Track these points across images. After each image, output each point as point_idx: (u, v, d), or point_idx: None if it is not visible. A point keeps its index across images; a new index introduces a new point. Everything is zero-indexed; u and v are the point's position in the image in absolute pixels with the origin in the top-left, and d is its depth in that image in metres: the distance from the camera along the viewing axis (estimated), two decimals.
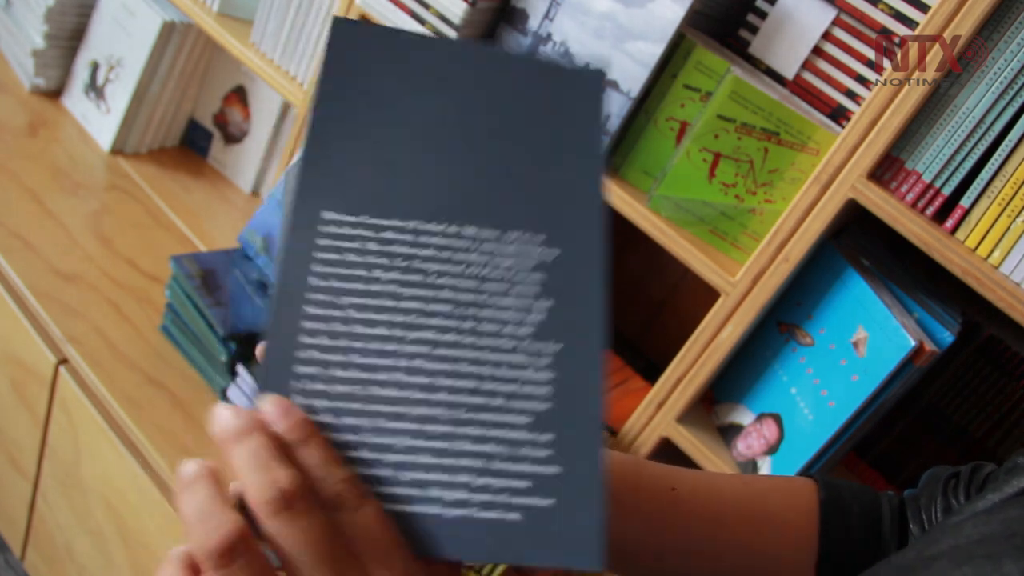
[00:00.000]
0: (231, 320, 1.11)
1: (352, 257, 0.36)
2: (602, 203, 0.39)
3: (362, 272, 0.36)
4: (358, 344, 0.35)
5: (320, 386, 0.34)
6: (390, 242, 0.37)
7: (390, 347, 0.35)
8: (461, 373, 0.35)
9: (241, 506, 0.32)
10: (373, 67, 0.40)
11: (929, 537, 0.44)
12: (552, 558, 0.32)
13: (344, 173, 0.38)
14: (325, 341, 0.34)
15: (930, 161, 0.76)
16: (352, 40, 0.39)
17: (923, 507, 0.51)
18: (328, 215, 0.36)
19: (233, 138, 1.51)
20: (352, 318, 0.35)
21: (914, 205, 0.78)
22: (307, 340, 0.34)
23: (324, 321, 0.35)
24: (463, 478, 0.33)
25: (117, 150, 1.46)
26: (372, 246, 0.36)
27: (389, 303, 0.36)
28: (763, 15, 0.93)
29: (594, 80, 0.42)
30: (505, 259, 0.37)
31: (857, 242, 0.90)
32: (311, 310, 0.35)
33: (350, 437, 0.34)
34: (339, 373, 0.34)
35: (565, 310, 0.36)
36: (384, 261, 0.36)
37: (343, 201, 0.37)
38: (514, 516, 0.33)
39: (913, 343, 0.77)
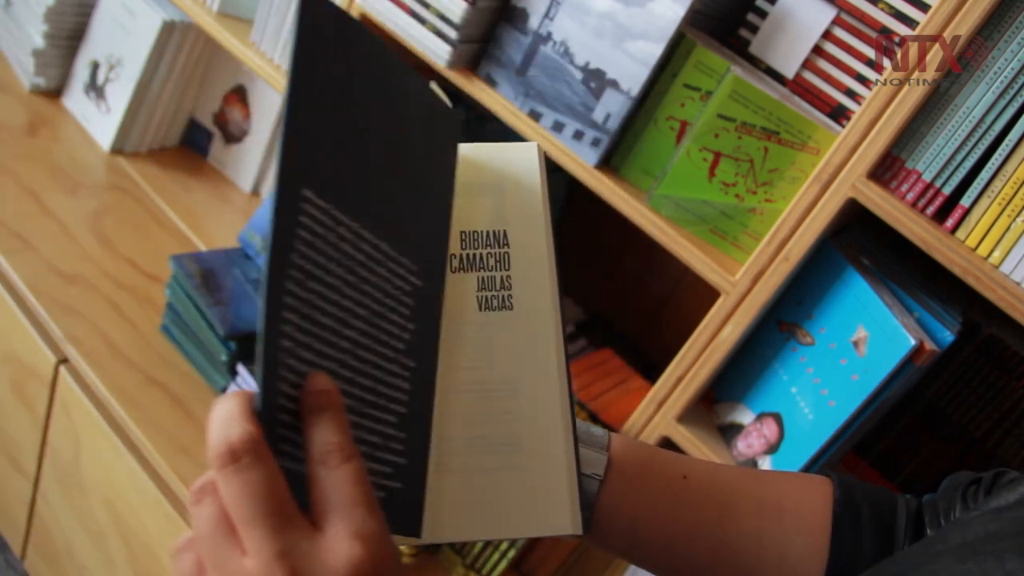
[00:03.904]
0: (231, 320, 1.11)
1: (321, 244, 0.37)
2: (447, 245, 0.46)
3: (324, 260, 0.37)
4: (315, 329, 0.37)
5: (293, 361, 0.35)
6: (342, 239, 0.38)
7: (332, 338, 0.37)
8: (367, 373, 0.39)
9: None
10: (340, 58, 0.40)
11: (939, 534, 0.44)
12: (400, 530, 0.40)
13: (317, 158, 0.38)
14: (298, 319, 0.36)
15: (930, 160, 0.76)
16: (321, 21, 0.39)
17: (941, 511, 0.50)
18: (308, 194, 0.37)
19: (233, 137, 1.51)
20: (315, 303, 0.37)
21: (914, 204, 0.78)
22: (288, 315, 0.35)
23: (300, 301, 0.36)
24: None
25: (117, 150, 1.46)
26: (331, 238, 0.38)
27: (335, 296, 0.37)
28: (763, 14, 0.93)
29: (454, 123, 0.48)
30: (396, 279, 0.41)
31: (857, 241, 0.91)
32: (292, 287, 0.36)
33: None
34: (304, 353, 0.36)
35: (420, 334, 0.43)
36: (337, 256, 0.38)
37: (319, 185, 0.38)
38: (382, 495, 0.38)
39: (913, 342, 0.77)
